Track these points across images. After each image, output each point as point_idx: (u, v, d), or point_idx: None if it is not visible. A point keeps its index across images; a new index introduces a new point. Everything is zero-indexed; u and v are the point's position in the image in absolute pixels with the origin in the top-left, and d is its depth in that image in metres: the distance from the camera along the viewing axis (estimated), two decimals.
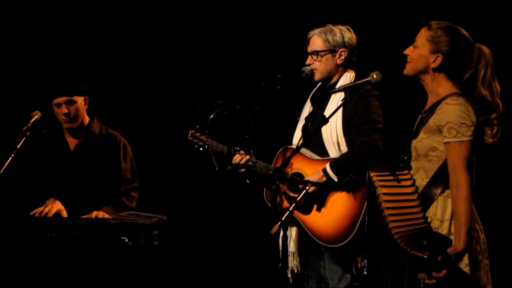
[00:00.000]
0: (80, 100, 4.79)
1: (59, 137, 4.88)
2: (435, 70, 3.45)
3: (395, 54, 3.62)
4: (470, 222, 3.27)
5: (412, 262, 3.18)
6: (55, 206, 4.63)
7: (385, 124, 4.20)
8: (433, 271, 3.18)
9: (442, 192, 3.36)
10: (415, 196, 3.30)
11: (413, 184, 3.33)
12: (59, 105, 4.75)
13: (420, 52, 3.47)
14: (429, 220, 3.33)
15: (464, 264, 3.26)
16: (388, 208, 3.26)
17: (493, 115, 3.41)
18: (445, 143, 3.34)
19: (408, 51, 3.52)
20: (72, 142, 4.87)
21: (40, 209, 4.60)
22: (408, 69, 3.51)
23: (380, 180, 3.30)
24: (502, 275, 4.59)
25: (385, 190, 3.29)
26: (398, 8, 5.36)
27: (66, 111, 4.74)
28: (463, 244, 3.23)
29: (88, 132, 4.86)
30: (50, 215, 4.57)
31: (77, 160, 4.82)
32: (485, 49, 3.45)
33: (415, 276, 3.21)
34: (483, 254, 3.36)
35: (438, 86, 3.45)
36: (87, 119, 4.88)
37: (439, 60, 3.43)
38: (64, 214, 4.63)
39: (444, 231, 3.30)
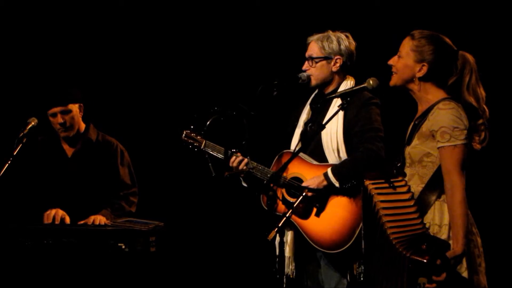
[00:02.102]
0: (75, 108, 4.78)
1: (56, 144, 4.87)
2: (421, 79, 3.48)
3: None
4: (467, 225, 3.28)
5: (412, 267, 3.18)
6: (59, 213, 4.62)
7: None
8: (433, 275, 3.19)
9: (438, 197, 3.37)
10: (412, 202, 3.32)
11: (409, 191, 3.34)
12: (54, 115, 4.74)
13: (405, 62, 3.49)
14: (427, 225, 3.34)
15: (464, 268, 3.27)
16: (386, 215, 3.27)
17: (480, 121, 3.44)
18: (438, 147, 3.36)
19: (392, 61, 3.54)
20: (69, 150, 4.86)
21: (48, 212, 4.58)
22: (395, 80, 3.54)
23: (376, 188, 3.31)
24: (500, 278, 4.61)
25: (382, 198, 3.30)
26: (398, 13, 5.38)
27: (61, 120, 4.73)
28: (462, 247, 3.25)
29: (85, 139, 4.85)
30: (58, 220, 4.56)
31: (74, 167, 4.81)
32: (468, 56, 3.49)
33: (415, 281, 3.22)
34: (481, 258, 3.37)
35: (427, 94, 3.48)
36: (83, 126, 4.87)
37: (425, 69, 3.46)
38: (68, 220, 4.62)
39: (443, 236, 3.31)
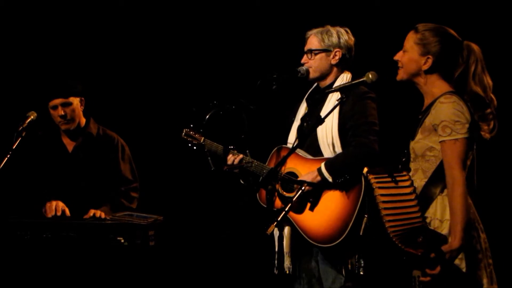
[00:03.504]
0: (76, 101, 4.78)
1: (56, 139, 4.86)
2: (427, 72, 3.46)
3: (394, 55, 3.61)
4: (467, 220, 3.26)
5: (407, 259, 3.19)
6: (60, 205, 4.61)
7: (385, 125, 4.20)
8: (427, 268, 3.19)
9: (441, 191, 3.36)
10: (413, 196, 3.30)
11: (411, 185, 3.33)
12: (55, 107, 4.74)
13: (410, 56, 3.48)
14: (428, 220, 3.34)
15: (462, 263, 3.26)
16: (385, 208, 3.27)
17: (488, 110, 3.41)
18: (440, 142, 3.35)
19: (398, 56, 3.53)
20: (69, 144, 4.85)
21: (49, 204, 4.58)
22: (401, 74, 3.53)
23: (378, 182, 3.31)
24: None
25: (382, 192, 3.29)
26: (398, 9, 5.36)
27: (62, 113, 4.73)
28: (459, 242, 3.23)
29: (86, 133, 4.84)
30: (59, 212, 4.56)
31: (75, 162, 4.81)
32: (474, 45, 3.46)
33: (409, 273, 3.22)
34: (484, 253, 3.35)
35: (433, 87, 3.46)
36: (83, 120, 4.87)
37: (430, 61, 3.44)
38: (68, 213, 4.62)
39: (444, 231, 3.30)
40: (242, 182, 4.35)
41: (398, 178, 3.32)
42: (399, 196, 3.30)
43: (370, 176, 3.33)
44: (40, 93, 4.87)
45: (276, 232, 3.98)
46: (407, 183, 3.33)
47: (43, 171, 4.81)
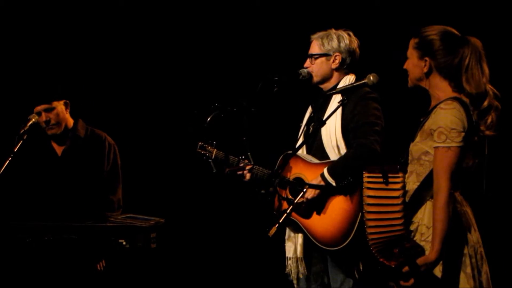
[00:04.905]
0: (59, 105, 4.74)
1: (45, 143, 4.85)
2: (427, 74, 3.43)
3: (399, 57, 3.60)
4: (446, 231, 3.20)
5: (381, 269, 3.18)
6: None
7: (392, 126, 4.20)
8: (401, 280, 3.18)
9: (432, 197, 3.31)
10: (399, 201, 3.24)
11: (401, 188, 3.27)
12: (39, 113, 4.70)
13: (412, 61, 3.45)
14: (415, 225, 3.30)
15: (439, 270, 3.22)
16: (369, 212, 3.24)
17: (482, 106, 3.34)
18: (434, 147, 3.31)
19: (405, 65, 3.51)
20: (58, 148, 4.83)
21: None
22: (409, 82, 3.50)
23: (369, 182, 3.28)
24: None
25: (370, 193, 3.26)
26: (402, 11, 5.37)
27: (45, 118, 4.70)
28: (436, 254, 3.17)
29: (74, 136, 4.82)
30: None
31: (66, 165, 4.79)
32: (471, 39, 3.38)
33: (386, 283, 3.22)
34: (476, 259, 3.30)
35: (437, 90, 3.42)
36: (71, 122, 4.82)
37: (427, 63, 3.41)
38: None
39: (430, 237, 3.24)
40: (262, 192, 4.32)
41: (390, 180, 3.26)
42: (385, 200, 3.25)
43: (365, 174, 3.30)
44: (24, 100, 4.85)
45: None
46: (398, 186, 3.27)
47: (33, 177, 4.79)
